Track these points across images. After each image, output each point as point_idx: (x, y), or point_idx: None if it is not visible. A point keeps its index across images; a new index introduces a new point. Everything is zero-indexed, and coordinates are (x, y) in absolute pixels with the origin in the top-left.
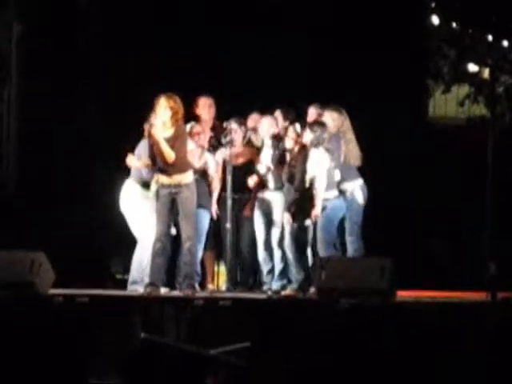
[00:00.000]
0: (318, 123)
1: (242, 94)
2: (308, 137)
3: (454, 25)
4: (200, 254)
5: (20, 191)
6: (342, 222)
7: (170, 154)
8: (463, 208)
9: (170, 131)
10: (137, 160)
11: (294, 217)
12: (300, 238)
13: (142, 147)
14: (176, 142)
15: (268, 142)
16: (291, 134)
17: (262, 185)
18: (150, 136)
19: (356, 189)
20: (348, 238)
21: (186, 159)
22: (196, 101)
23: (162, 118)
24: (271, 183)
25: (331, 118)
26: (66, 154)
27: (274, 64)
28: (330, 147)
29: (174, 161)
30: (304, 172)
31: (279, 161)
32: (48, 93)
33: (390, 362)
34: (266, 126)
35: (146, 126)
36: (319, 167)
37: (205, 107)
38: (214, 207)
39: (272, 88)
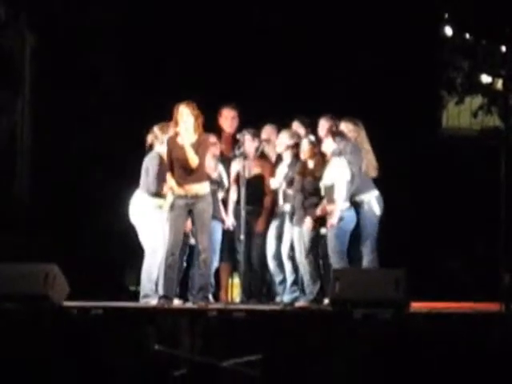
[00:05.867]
0: (340, 133)
1: (255, 105)
2: (329, 146)
3: (468, 36)
4: (215, 265)
5: (33, 203)
6: (357, 233)
7: (194, 159)
8: (477, 219)
9: (193, 137)
10: (145, 175)
11: (315, 226)
12: (315, 248)
13: (150, 160)
14: (199, 148)
15: (286, 157)
16: (305, 145)
17: (275, 199)
18: (172, 144)
19: (372, 200)
20: (363, 250)
21: (205, 169)
22: (219, 111)
23: (186, 124)
24: (284, 196)
25: (347, 129)
26: (78, 166)
27: (287, 76)
28: (351, 158)
29: (195, 168)
30: (319, 180)
31: (292, 179)
32: (61, 104)
33: (404, 373)
34: (283, 139)
35: (150, 138)
36: (340, 177)
37: (228, 118)
38: (231, 219)
39: (286, 100)
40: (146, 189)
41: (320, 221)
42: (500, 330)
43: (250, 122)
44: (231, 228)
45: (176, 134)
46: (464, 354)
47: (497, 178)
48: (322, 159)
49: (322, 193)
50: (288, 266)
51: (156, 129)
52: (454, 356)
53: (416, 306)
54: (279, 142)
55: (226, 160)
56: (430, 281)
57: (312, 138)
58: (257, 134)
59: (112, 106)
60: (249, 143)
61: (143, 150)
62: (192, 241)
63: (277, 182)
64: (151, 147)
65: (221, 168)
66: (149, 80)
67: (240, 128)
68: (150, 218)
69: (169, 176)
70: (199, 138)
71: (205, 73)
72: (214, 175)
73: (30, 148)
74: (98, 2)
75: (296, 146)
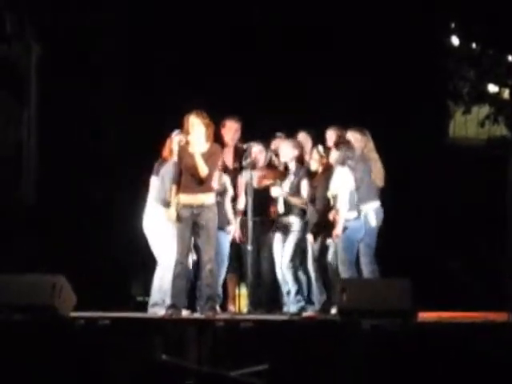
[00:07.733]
0: (345, 143)
1: (264, 117)
2: (334, 156)
3: (474, 45)
4: (222, 276)
5: (40, 214)
6: None
7: (203, 168)
8: (483, 228)
9: (205, 146)
10: (162, 184)
11: (316, 237)
12: (322, 259)
13: (167, 169)
14: (210, 158)
15: (292, 167)
16: (315, 155)
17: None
18: (182, 153)
19: (370, 211)
20: (362, 260)
21: (212, 180)
22: (223, 122)
23: (197, 134)
24: (290, 207)
25: (354, 139)
26: (85, 175)
27: (295, 86)
28: (355, 167)
29: (203, 178)
30: (326, 190)
31: (298, 186)
32: (67, 114)
33: (412, 383)
34: (284, 149)
35: (172, 146)
36: (343, 186)
37: (231, 130)
38: (238, 231)
39: (294, 111)
40: (161, 199)
41: (322, 230)
42: (507, 339)
43: (256, 134)
44: (238, 240)
45: (187, 143)
46: (472, 363)
47: (503, 186)
48: (327, 170)
49: (331, 203)
50: (288, 275)
51: (179, 138)
52: (462, 365)
53: (423, 315)
54: (283, 152)
55: (228, 172)
56: (436, 290)
57: (321, 148)
58: (266, 145)
59: (118, 112)
60: (257, 155)
61: (150, 156)
62: (194, 256)
63: (279, 190)
64: (169, 156)
65: (226, 179)
66: (158, 89)
67: (245, 140)
68: (163, 228)
69: (174, 189)
70: (210, 148)
71: (211, 82)
72: (216, 186)
73: (37, 159)
74: (102, 6)
75: (300, 156)
